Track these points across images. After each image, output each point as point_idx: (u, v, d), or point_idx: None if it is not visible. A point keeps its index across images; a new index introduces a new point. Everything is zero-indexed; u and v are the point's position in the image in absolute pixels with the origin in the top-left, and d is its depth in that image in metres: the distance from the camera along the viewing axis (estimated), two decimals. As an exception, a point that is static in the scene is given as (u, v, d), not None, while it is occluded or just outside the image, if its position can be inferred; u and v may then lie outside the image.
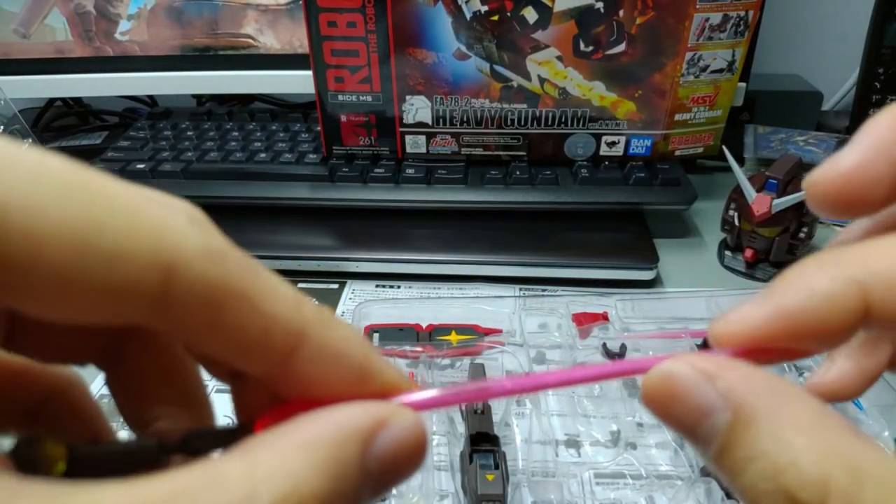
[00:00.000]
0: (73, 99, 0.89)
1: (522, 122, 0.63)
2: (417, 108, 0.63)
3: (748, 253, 0.58)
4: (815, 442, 0.13)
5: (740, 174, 0.57)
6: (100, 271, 0.12)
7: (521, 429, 0.44)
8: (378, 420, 0.14)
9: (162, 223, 0.13)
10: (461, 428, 0.43)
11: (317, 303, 0.16)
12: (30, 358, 0.17)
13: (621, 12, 0.57)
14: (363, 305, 0.53)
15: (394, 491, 0.39)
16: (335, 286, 0.59)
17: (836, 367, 0.20)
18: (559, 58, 0.60)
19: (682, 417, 0.15)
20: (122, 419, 0.19)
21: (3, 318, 0.15)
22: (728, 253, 0.60)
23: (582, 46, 0.59)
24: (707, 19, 0.58)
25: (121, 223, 0.12)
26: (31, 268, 0.12)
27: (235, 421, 0.17)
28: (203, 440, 0.16)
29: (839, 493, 0.13)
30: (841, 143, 0.72)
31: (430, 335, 0.50)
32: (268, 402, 0.16)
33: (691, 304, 0.53)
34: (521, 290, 0.57)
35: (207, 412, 0.19)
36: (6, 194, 0.11)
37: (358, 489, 0.13)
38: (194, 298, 0.13)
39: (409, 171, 0.64)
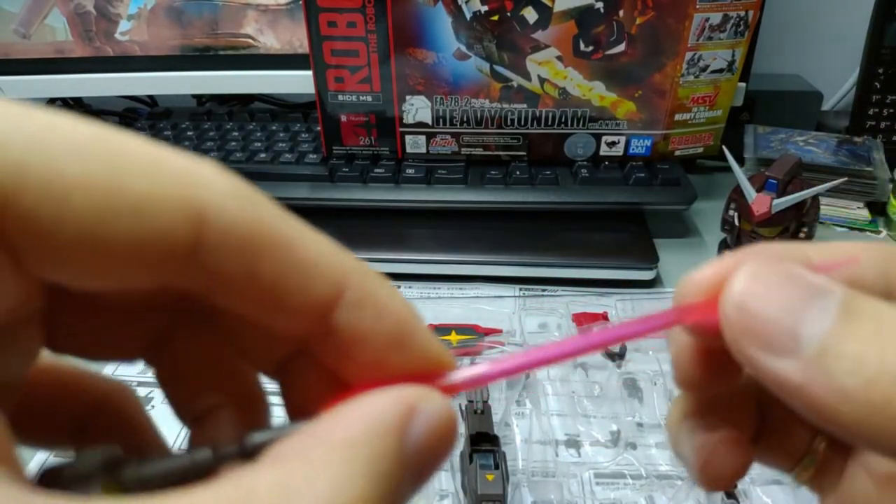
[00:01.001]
0: (73, 99, 0.89)
1: (522, 122, 0.63)
2: (417, 108, 0.63)
3: (748, 253, 0.58)
4: None
5: (740, 174, 0.57)
6: (128, 223, 0.12)
7: (521, 429, 0.44)
8: (410, 407, 0.13)
9: (188, 170, 0.13)
10: (461, 428, 0.43)
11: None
12: (76, 356, 0.16)
13: (621, 12, 0.57)
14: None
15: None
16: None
17: (720, 444, 0.19)
18: (559, 58, 0.60)
19: (779, 322, 0.14)
20: (174, 412, 0.18)
21: (42, 315, 0.14)
22: (728, 253, 0.60)
23: (582, 46, 0.59)
24: (707, 19, 0.58)
25: (144, 172, 0.12)
26: (57, 227, 0.11)
27: (288, 420, 0.16)
28: (261, 443, 0.14)
29: None
30: (841, 144, 0.72)
31: (431, 335, 0.50)
32: (319, 396, 0.15)
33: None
34: (521, 290, 0.57)
35: (262, 404, 0.18)
36: (22, 154, 0.11)
37: (402, 483, 0.13)
38: (229, 245, 0.13)
39: (409, 171, 0.64)
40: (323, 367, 0.16)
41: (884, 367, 0.13)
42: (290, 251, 0.14)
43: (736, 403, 0.20)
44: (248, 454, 0.14)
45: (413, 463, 0.13)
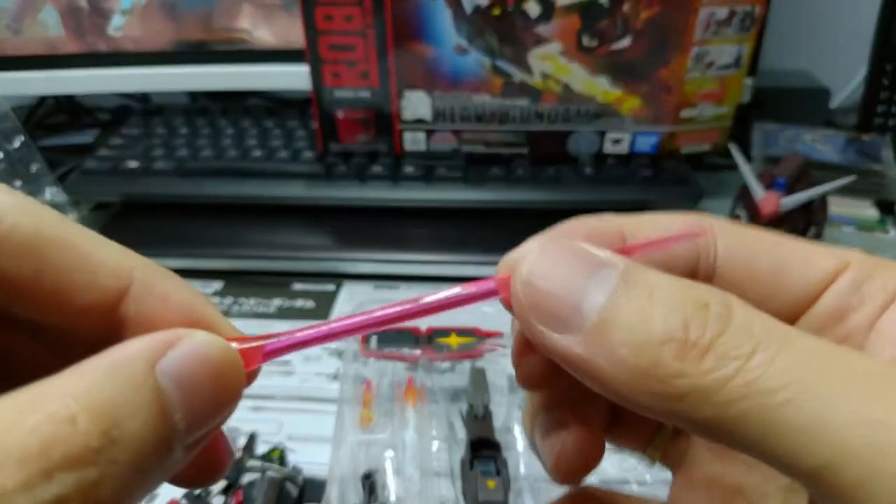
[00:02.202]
0: (65, 96, 0.88)
1: (524, 119, 0.62)
2: (416, 104, 0.61)
3: (756, 253, 0.57)
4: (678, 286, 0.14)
5: (748, 172, 0.56)
6: None
7: (523, 434, 0.43)
8: (167, 340, 0.14)
9: None
10: (461, 433, 0.42)
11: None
12: None
13: (626, 6, 0.56)
14: (361, 307, 0.51)
15: (392, 497, 0.38)
16: (332, 287, 0.58)
17: (569, 437, 0.19)
18: (562, 52, 0.58)
19: (562, 297, 0.14)
20: None
21: None
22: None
23: (586, 41, 0.58)
24: (713, 14, 0.57)
25: None
26: None
27: None
28: None
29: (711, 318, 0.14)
30: (849, 141, 0.71)
31: (430, 338, 0.49)
32: None
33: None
34: (522, 290, 0.56)
35: None
36: None
37: (157, 409, 0.13)
38: (13, 248, 0.14)
39: (408, 168, 0.63)
40: None
41: (650, 334, 0.13)
42: (72, 250, 0.15)
43: (587, 392, 0.20)
44: None
45: (174, 393, 0.13)
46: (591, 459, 0.20)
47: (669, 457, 0.22)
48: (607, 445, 0.21)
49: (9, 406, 0.11)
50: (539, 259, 0.15)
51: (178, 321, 0.16)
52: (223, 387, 0.14)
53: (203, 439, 0.14)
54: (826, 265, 0.17)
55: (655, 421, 0.21)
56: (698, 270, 0.18)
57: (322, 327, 0.17)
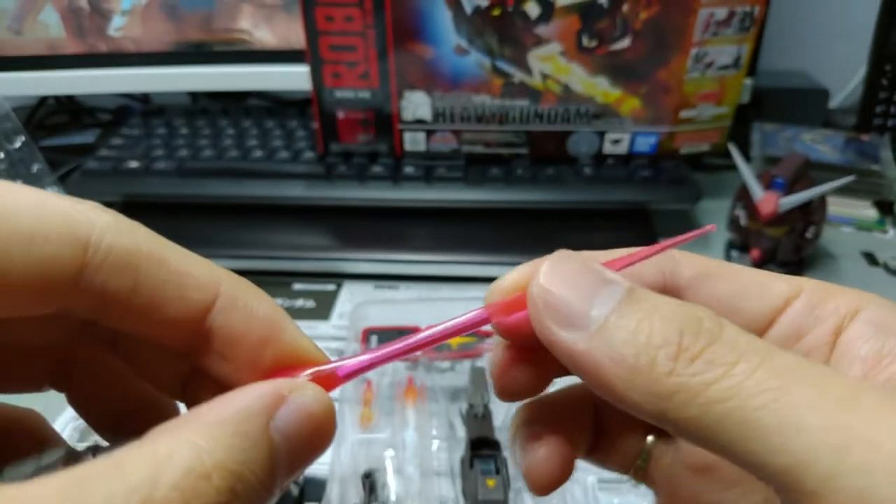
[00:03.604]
0: (65, 97, 0.88)
1: (524, 119, 0.62)
2: (417, 105, 0.61)
3: (755, 253, 0.57)
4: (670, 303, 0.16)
5: (747, 173, 0.56)
6: (19, 255, 0.14)
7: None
8: (280, 394, 0.15)
9: (70, 207, 0.15)
10: (461, 432, 0.42)
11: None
12: None
13: (625, 7, 0.56)
14: (361, 307, 0.51)
15: (393, 497, 0.38)
16: (332, 287, 0.58)
17: (542, 450, 0.21)
18: (562, 53, 0.58)
19: (573, 302, 0.16)
20: (93, 429, 0.20)
21: None
22: (734, 253, 0.59)
23: (585, 41, 0.58)
24: (712, 14, 0.57)
25: (30, 211, 0.14)
26: None
27: None
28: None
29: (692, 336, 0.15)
30: (848, 141, 0.71)
31: (430, 337, 0.49)
32: None
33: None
34: (522, 290, 0.56)
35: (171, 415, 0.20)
36: None
37: (269, 462, 0.14)
38: (110, 266, 0.15)
39: (408, 169, 0.63)
40: (219, 385, 0.17)
41: (651, 339, 0.15)
42: (164, 265, 0.16)
43: (571, 413, 0.22)
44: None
45: (282, 444, 0.15)
46: (561, 473, 0.21)
47: (652, 477, 0.23)
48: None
49: (146, 458, 0.12)
50: (555, 271, 0.17)
51: (260, 335, 0.17)
52: (321, 438, 0.16)
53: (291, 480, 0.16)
54: (781, 290, 0.19)
55: (637, 443, 0.23)
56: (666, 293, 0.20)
57: (380, 351, 0.19)
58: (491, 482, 0.38)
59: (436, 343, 0.19)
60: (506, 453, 0.40)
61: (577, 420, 0.22)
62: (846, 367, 0.18)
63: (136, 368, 0.19)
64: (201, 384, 0.19)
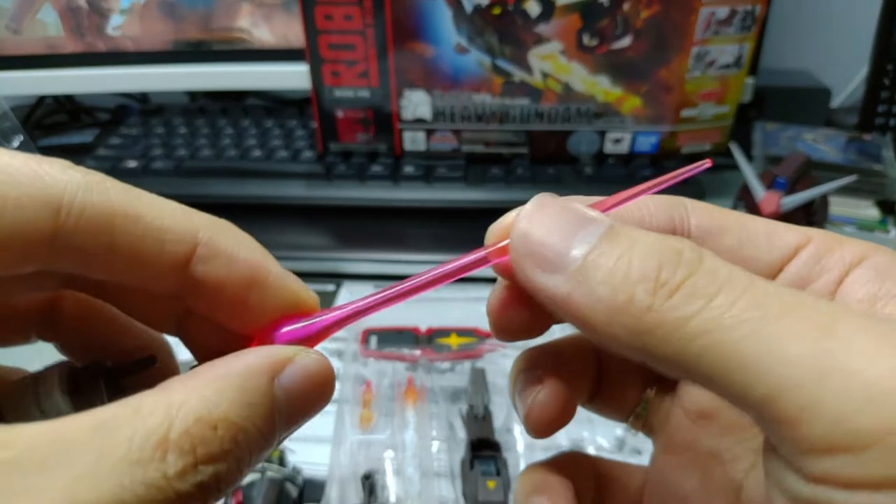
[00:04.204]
0: (64, 96, 0.88)
1: (524, 119, 0.62)
2: (416, 104, 0.61)
3: (757, 253, 0.57)
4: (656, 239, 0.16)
5: (749, 172, 0.56)
6: None
7: (523, 434, 0.43)
8: (284, 357, 0.16)
9: (40, 169, 0.15)
10: (461, 433, 0.42)
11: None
12: None
13: (626, 6, 0.56)
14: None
15: (392, 498, 0.38)
16: (332, 287, 0.58)
17: (542, 393, 0.21)
18: (562, 52, 0.58)
19: (553, 244, 0.16)
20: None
21: None
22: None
23: (586, 40, 0.58)
24: (713, 13, 0.57)
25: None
26: None
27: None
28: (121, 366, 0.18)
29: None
30: (850, 141, 0.71)
31: (430, 338, 0.49)
32: (215, 347, 0.18)
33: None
34: (523, 290, 0.56)
35: (167, 354, 0.21)
36: None
37: (270, 417, 0.15)
38: (86, 225, 0.15)
39: (408, 168, 0.63)
40: (212, 320, 0.18)
41: (628, 276, 0.15)
42: (139, 221, 0.16)
43: (572, 360, 0.22)
44: (109, 372, 0.18)
45: (283, 402, 0.16)
46: (560, 416, 0.21)
47: (650, 425, 0.24)
48: (600, 417, 0.24)
49: (157, 402, 0.14)
50: (535, 213, 0.17)
51: (243, 280, 0.17)
52: (320, 397, 0.17)
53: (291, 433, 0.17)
54: (789, 240, 0.19)
55: (638, 392, 0.23)
56: None
57: (356, 303, 0.18)
58: (491, 483, 0.38)
59: (431, 286, 0.19)
60: (506, 454, 0.40)
61: (579, 367, 0.23)
62: None
63: (126, 311, 0.20)
64: (195, 320, 0.19)
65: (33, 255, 0.15)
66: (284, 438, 0.17)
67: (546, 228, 0.17)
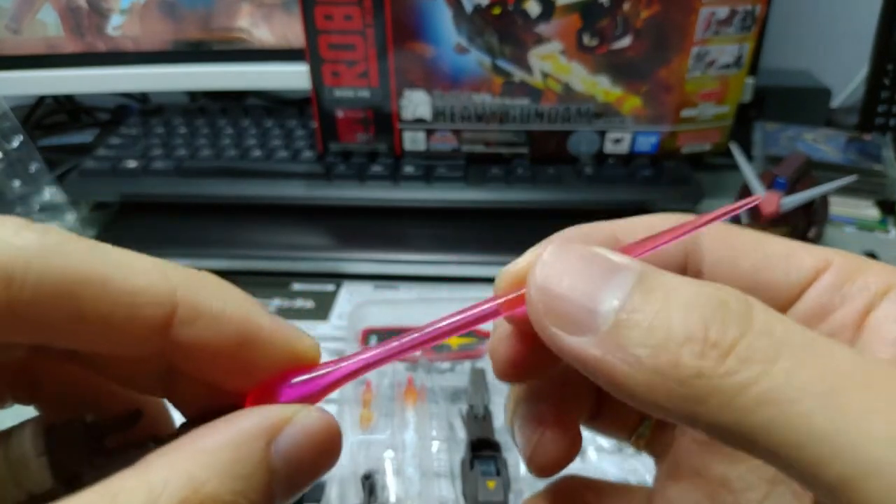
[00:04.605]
0: (64, 96, 0.88)
1: (524, 119, 0.62)
2: (416, 104, 0.61)
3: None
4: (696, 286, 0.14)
5: (749, 172, 0.56)
6: None
7: (523, 435, 0.43)
8: (282, 417, 0.15)
9: None
10: (461, 433, 0.42)
11: (199, 270, 0.16)
12: None
13: (626, 5, 0.56)
14: (361, 307, 0.51)
15: (392, 498, 0.38)
16: (332, 287, 0.58)
17: (548, 434, 0.20)
18: (563, 52, 0.58)
19: (577, 301, 0.14)
20: None
21: None
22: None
23: (586, 40, 0.58)
24: (713, 13, 0.57)
25: None
26: None
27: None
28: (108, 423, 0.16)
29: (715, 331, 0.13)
30: (850, 141, 0.71)
31: (430, 338, 0.49)
32: (205, 403, 0.16)
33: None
34: (523, 291, 0.56)
35: (157, 406, 0.19)
36: None
37: (266, 488, 0.14)
38: (45, 295, 0.13)
39: (408, 168, 0.63)
40: (199, 381, 0.16)
41: (670, 334, 0.13)
42: (108, 285, 0.14)
43: (571, 381, 0.20)
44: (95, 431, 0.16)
45: (282, 469, 0.14)
46: (566, 455, 0.20)
47: (654, 446, 0.22)
48: (602, 437, 0.23)
49: (137, 486, 0.12)
50: (553, 263, 0.15)
51: (233, 339, 0.16)
52: (324, 460, 0.16)
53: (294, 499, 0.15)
54: (807, 264, 0.17)
55: (639, 411, 0.22)
56: (687, 271, 0.18)
57: (363, 355, 0.17)
58: (491, 484, 0.37)
59: (440, 340, 0.17)
60: (506, 455, 0.40)
61: (577, 389, 0.21)
62: (875, 350, 0.16)
63: (104, 375, 0.18)
64: (181, 378, 0.17)
65: None
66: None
67: (568, 281, 0.15)
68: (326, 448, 0.15)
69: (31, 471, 0.15)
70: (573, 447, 0.20)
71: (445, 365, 0.48)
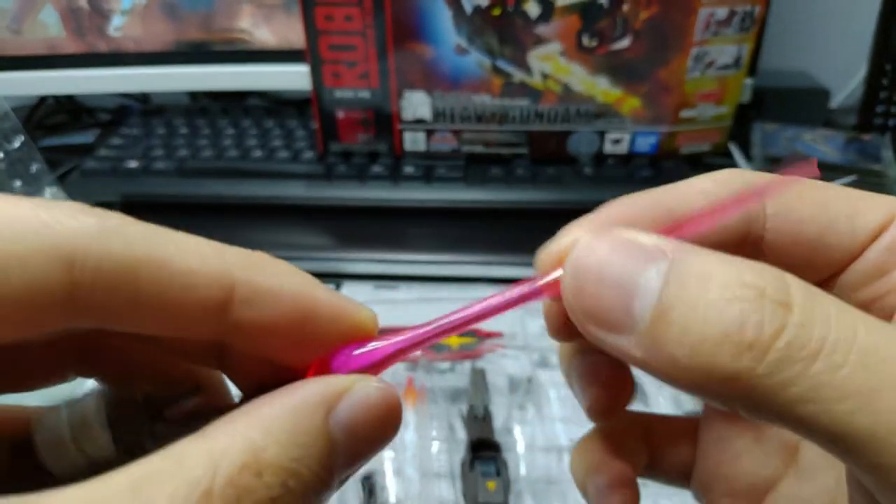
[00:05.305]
0: (65, 96, 0.88)
1: (524, 119, 0.62)
2: (416, 104, 0.61)
3: (756, 253, 0.57)
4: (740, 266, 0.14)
5: (748, 172, 0.56)
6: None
7: (523, 435, 0.43)
8: (341, 388, 0.14)
9: (47, 219, 0.13)
10: (461, 434, 0.42)
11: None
12: (3, 392, 0.17)
13: (626, 6, 0.56)
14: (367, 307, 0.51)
15: (392, 499, 0.38)
16: (332, 287, 0.58)
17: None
18: (562, 53, 0.58)
19: (610, 301, 0.14)
20: None
21: None
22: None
23: (586, 41, 0.58)
24: (713, 14, 0.57)
25: (2, 234, 0.13)
26: None
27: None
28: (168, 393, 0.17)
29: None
30: (849, 141, 0.71)
31: (430, 338, 0.49)
32: (262, 379, 0.16)
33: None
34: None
35: (216, 380, 0.19)
36: None
37: (325, 457, 0.14)
38: (106, 278, 0.13)
39: (408, 169, 0.63)
40: (257, 358, 0.17)
41: (705, 335, 0.13)
42: (166, 267, 0.14)
43: (625, 435, 0.21)
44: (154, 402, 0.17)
45: (342, 440, 0.14)
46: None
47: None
48: None
49: (200, 451, 0.12)
50: (584, 258, 0.15)
51: (293, 317, 0.16)
52: (384, 431, 0.15)
53: (354, 472, 0.15)
54: (872, 219, 0.17)
55: (689, 452, 0.23)
56: (749, 234, 0.18)
57: (421, 329, 0.17)
58: (491, 484, 0.38)
59: (489, 317, 0.17)
60: (506, 455, 0.40)
61: (633, 439, 0.22)
62: None
63: (165, 349, 0.18)
64: (237, 355, 0.17)
65: (47, 318, 0.13)
66: (347, 479, 0.15)
67: (601, 281, 0.14)
68: (386, 419, 0.15)
69: (94, 438, 0.16)
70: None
71: (445, 365, 0.48)
